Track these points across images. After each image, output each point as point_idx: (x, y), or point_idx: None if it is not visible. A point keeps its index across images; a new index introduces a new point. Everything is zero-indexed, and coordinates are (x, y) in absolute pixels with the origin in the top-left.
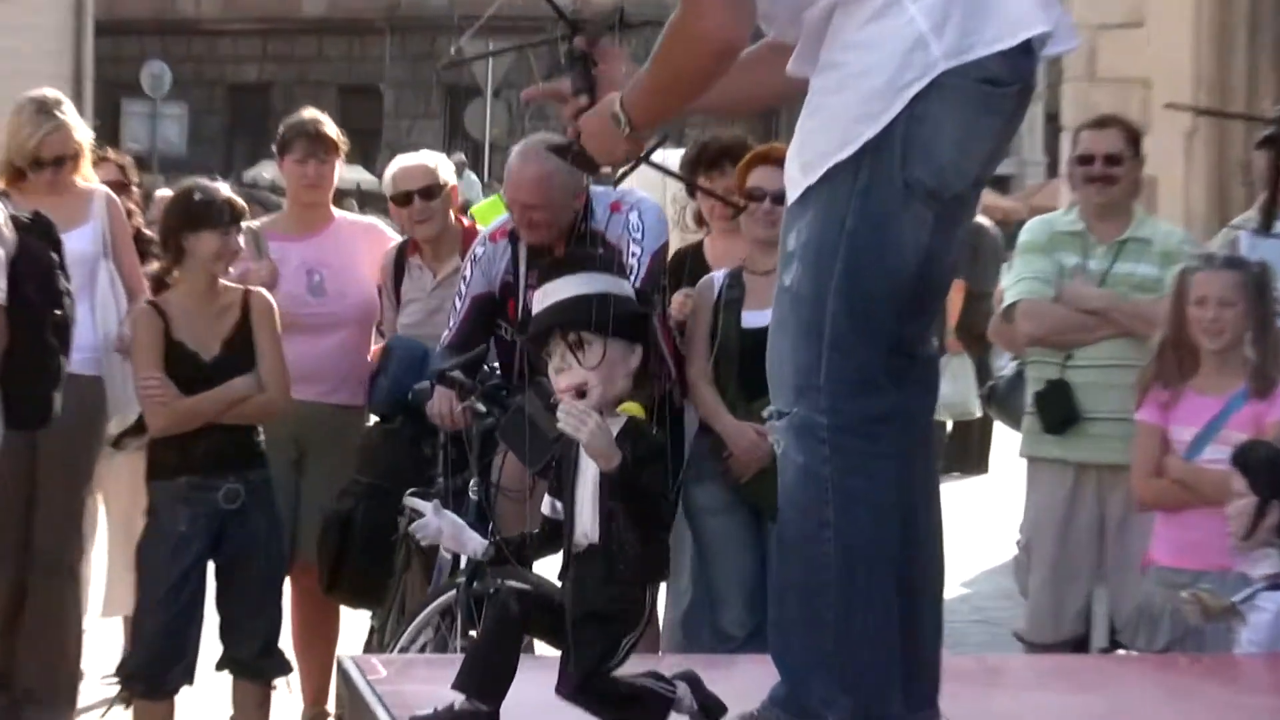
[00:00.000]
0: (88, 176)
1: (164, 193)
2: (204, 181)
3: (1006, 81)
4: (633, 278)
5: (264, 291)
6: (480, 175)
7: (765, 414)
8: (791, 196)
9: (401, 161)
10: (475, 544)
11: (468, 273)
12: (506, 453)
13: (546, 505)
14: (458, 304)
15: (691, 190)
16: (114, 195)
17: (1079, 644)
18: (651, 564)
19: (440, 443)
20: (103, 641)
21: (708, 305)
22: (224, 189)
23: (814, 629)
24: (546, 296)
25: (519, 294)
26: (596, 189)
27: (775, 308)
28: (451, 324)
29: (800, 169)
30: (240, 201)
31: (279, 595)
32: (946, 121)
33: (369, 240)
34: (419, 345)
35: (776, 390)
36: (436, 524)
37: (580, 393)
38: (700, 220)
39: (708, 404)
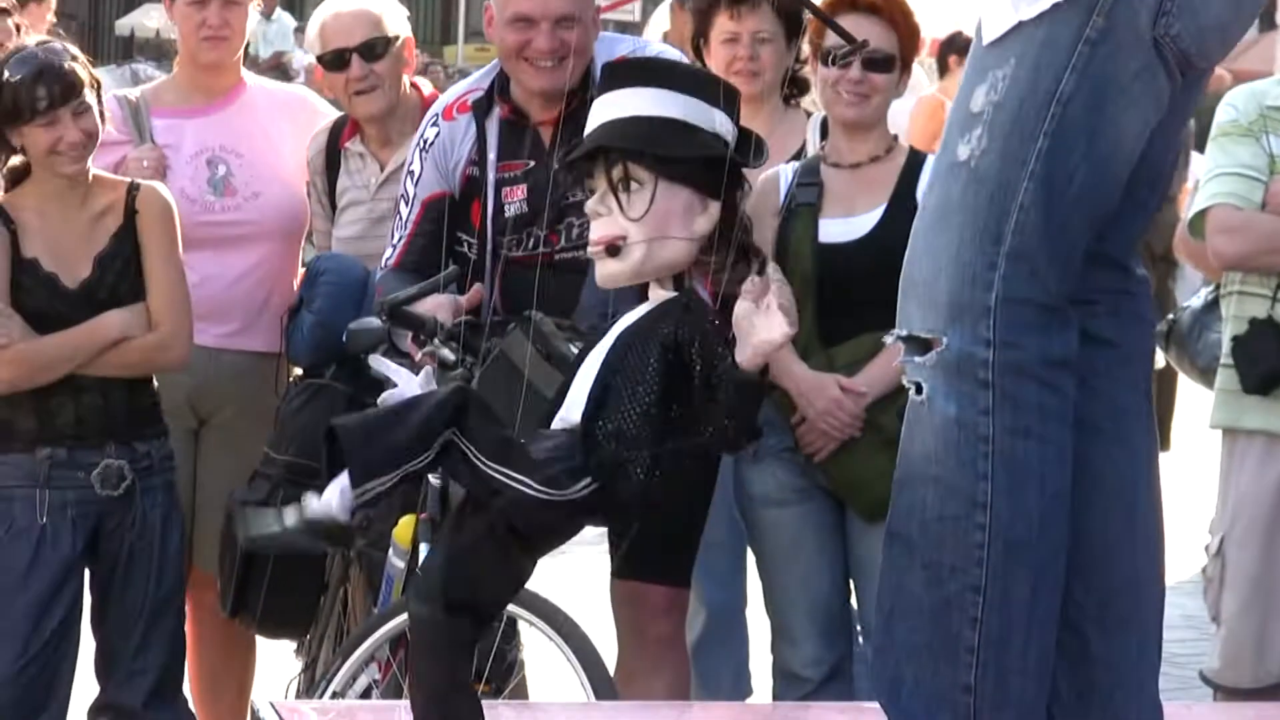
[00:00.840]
0: None
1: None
2: (27, 44)
3: None
4: None
5: (157, 186)
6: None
7: (889, 338)
8: (989, 34)
9: (333, 7)
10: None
11: (415, 165)
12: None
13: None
14: (403, 210)
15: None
16: None
17: None
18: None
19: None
20: None
21: (770, 210)
22: (57, 50)
23: (946, 655)
24: (600, 109)
25: (487, 190)
26: (603, 36)
27: (937, 188)
28: (396, 237)
29: None
30: (80, 68)
31: (178, 619)
32: None
33: (294, 118)
34: (356, 265)
35: (919, 307)
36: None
37: (612, 249)
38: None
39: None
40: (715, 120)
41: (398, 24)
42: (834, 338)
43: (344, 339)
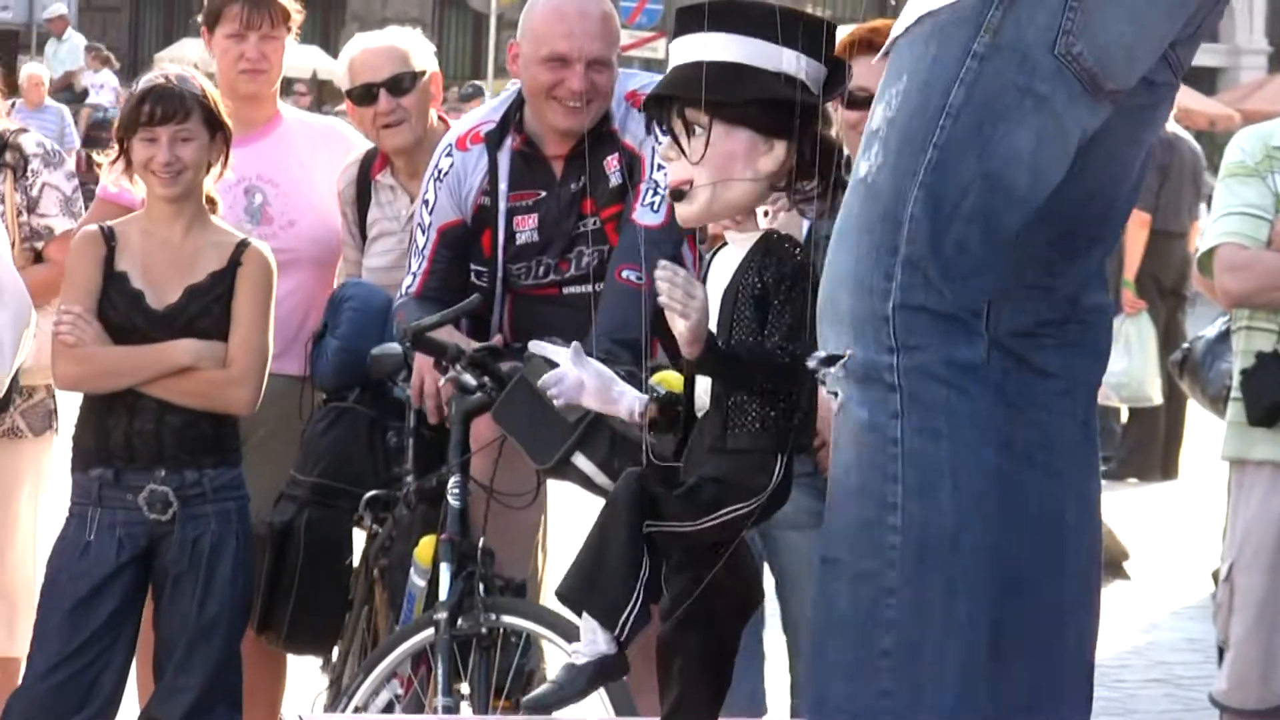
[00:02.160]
0: None
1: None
2: (171, 69)
3: None
4: (657, 201)
5: (266, 249)
6: (483, 62)
7: (811, 362)
8: (893, 49)
9: (361, 43)
10: (630, 403)
11: (430, 194)
12: (502, 443)
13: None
14: (420, 239)
15: None
16: None
17: None
18: (774, 430)
19: (409, 427)
20: None
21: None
22: (183, 78)
23: (867, 664)
24: (673, 54)
25: (497, 219)
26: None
27: (843, 208)
28: (415, 265)
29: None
30: (197, 100)
31: (225, 641)
32: None
33: (330, 148)
34: (379, 293)
35: (829, 326)
36: (576, 377)
37: (677, 193)
38: None
39: None
40: (783, 59)
41: (424, 59)
42: None
43: (367, 363)
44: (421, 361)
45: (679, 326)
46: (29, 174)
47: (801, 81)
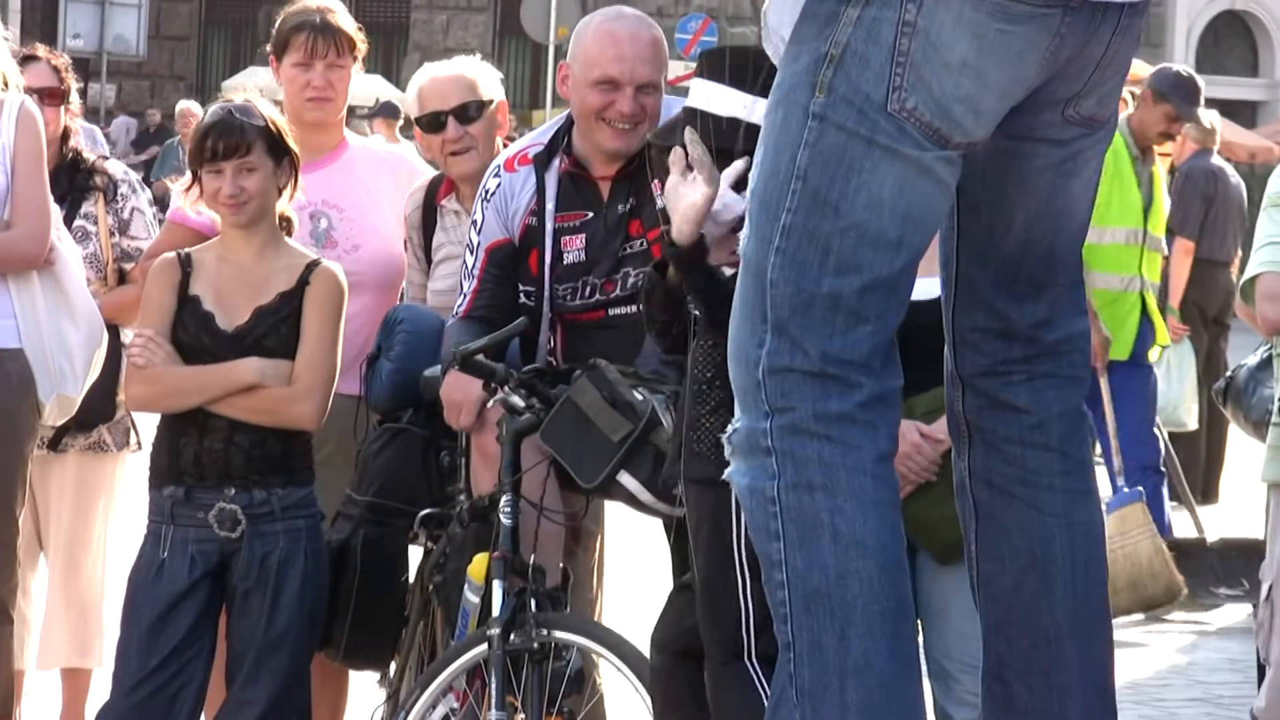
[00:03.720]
0: (2, 80)
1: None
2: (236, 100)
3: None
4: None
5: (338, 269)
6: (541, 92)
7: (724, 436)
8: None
9: (430, 72)
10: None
11: (478, 215)
12: (550, 462)
13: None
14: (469, 259)
15: None
16: (31, 105)
17: None
18: None
19: (462, 447)
20: (40, 702)
21: None
22: (246, 110)
23: (783, 715)
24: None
25: (544, 240)
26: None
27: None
28: (465, 286)
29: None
30: (259, 132)
31: (293, 657)
32: (948, 31)
33: (394, 175)
34: (431, 316)
35: (736, 404)
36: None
37: None
38: None
39: None
40: (739, 105)
41: (492, 88)
42: (915, 388)
43: (420, 385)
44: (454, 382)
45: (692, 196)
46: (119, 198)
47: (748, 124)
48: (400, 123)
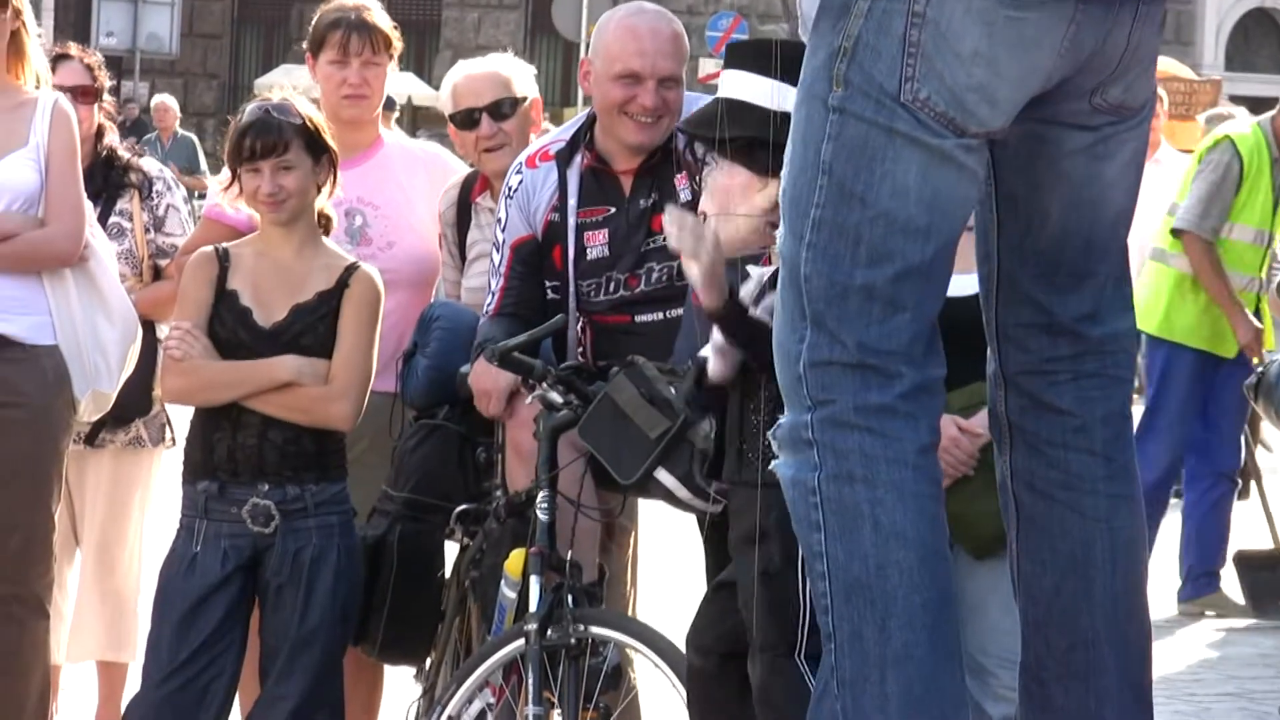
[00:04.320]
0: (33, 79)
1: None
2: (274, 97)
3: None
4: None
5: (375, 272)
6: (572, 90)
7: (770, 432)
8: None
9: (464, 69)
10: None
11: (502, 213)
12: (588, 459)
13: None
14: (495, 257)
15: None
16: (65, 103)
17: None
18: None
19: (498, 443)
20: (76, 697)
21: None
22: (283, 109)
23: (825, 706)
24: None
25: (567, 235)
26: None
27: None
28: (493, 285)
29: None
30: (296, 130)
31: (325, 653)
32: (958, 21)
33: (429, 172)
34: (467, 313)
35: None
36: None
37: None
38: None
39: None
40: (786, 98)
41: (526, 85)
42: (953, 382)
43: (456, 381)
44: (482, 373)
45: (692, 272)
46: (154, 195)
47: (778, 112)
48: (396, 114)
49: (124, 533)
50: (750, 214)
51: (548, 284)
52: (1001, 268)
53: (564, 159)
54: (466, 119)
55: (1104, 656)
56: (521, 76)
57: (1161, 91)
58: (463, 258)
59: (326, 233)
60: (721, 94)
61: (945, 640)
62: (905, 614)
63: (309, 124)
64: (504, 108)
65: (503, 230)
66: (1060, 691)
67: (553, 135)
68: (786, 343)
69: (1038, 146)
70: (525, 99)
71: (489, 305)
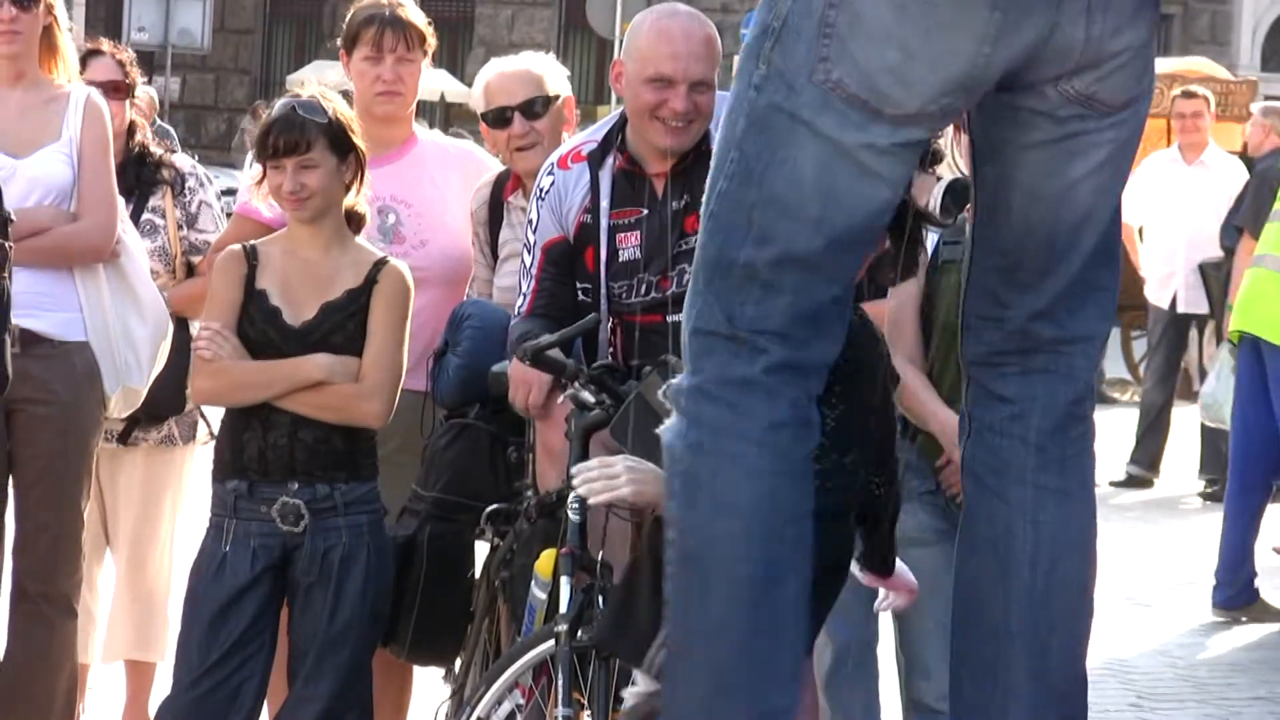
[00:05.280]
0: (66, 74)
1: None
2: (302, 93)
3: None
4: None
5: (404, 267)
6: (605, 88)
7: (660, 391)
8: None
9: (497, 67)
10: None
11: (533, 214)
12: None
13: None
14: (526, 258)
15: None
16: (97, 97)
17: None
18: None
19: (529, 443)
20: (104, 696)
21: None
22: (308, 105)
23: (661, 674)
24: None
25: (600, 237)
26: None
27: None
28: (524, 286)
29: None
30: (319, 128)
31: (354, 654)
32: (871, 3)
33: (463, 170)
34: (499, 312)
35: None
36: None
37: None
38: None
39: (916, 395)
40: None
41: (558, 83)
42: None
43: (488, 380)
44: (519, 374)
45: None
46: (186, 191)
47: None
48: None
49: (155, 532)
50: None
51: (579, 285)
52: (973, 258)
53: (596, 160)
54: (499, 117)
55: (1014, 652)
56: (554, 75)
57: (1209, 93)
58: (495, 256)
59: (358, 231)
60: None
61: (771, 617)
62: (726, 587)
63: (335, 122)
64: (536, 106)
65: (534, 232)
66: (971, 684)
67: (584, 135)
68: (687, 308)
69: (1010, 133)
70: (558, 97)
71: (521, 306)
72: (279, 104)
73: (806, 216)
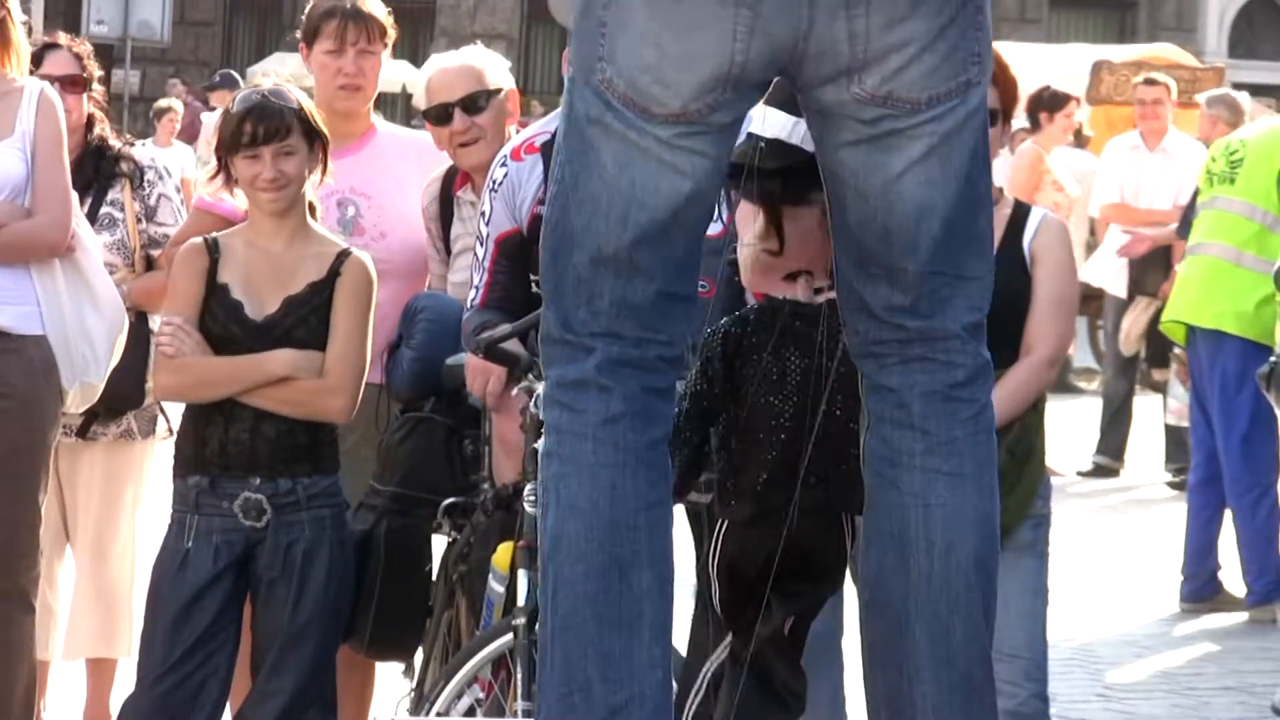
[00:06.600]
0: (19, 68)
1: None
2: (265, 85)
3: None
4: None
5: (367, 259)
6: None
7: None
8: None
9: (438, 63)
10: None
11: (486, 206)
12: None
13: None
14: (479, 251)
15: None
16: (50, 91)
17: None
18: None
19: (485, 436)
20: (64, 693)
21: None
22: (280, 94)
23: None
24: None
25: None
26: None
27: None
28: (477, 278)
29: None
30: (296, 117)
31: (318, 648)
32: (630, 2)
33: (421, 162)
34: (453, 304)
35: None
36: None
37: None
38: None
39: None
40: (764, 119)
41: (500, 77)
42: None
43: (441, 373)
44: (475, 369)
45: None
46: (145, 184)
47: (776, 141)
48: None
49: (116, 527)
50: (749, 243)
51: (533, 278)
52: (835, 250)
53: (549, 151)
54: (440, 114)
55: (916, 639)
56: (495, 69)
57: (1170, 80)
58: (448, 252)
59: (314, 218)
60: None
61: (617, 608)
62: (569, 584)
63: (304, 110)
64: (478, 101)
65: (487, 224)
66: (881, 675)
67: (538, 126)
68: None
69: (821, 132)
70: (500, 90)
71: (474, 299)
72: (243, 94)
73: (614, 215)
